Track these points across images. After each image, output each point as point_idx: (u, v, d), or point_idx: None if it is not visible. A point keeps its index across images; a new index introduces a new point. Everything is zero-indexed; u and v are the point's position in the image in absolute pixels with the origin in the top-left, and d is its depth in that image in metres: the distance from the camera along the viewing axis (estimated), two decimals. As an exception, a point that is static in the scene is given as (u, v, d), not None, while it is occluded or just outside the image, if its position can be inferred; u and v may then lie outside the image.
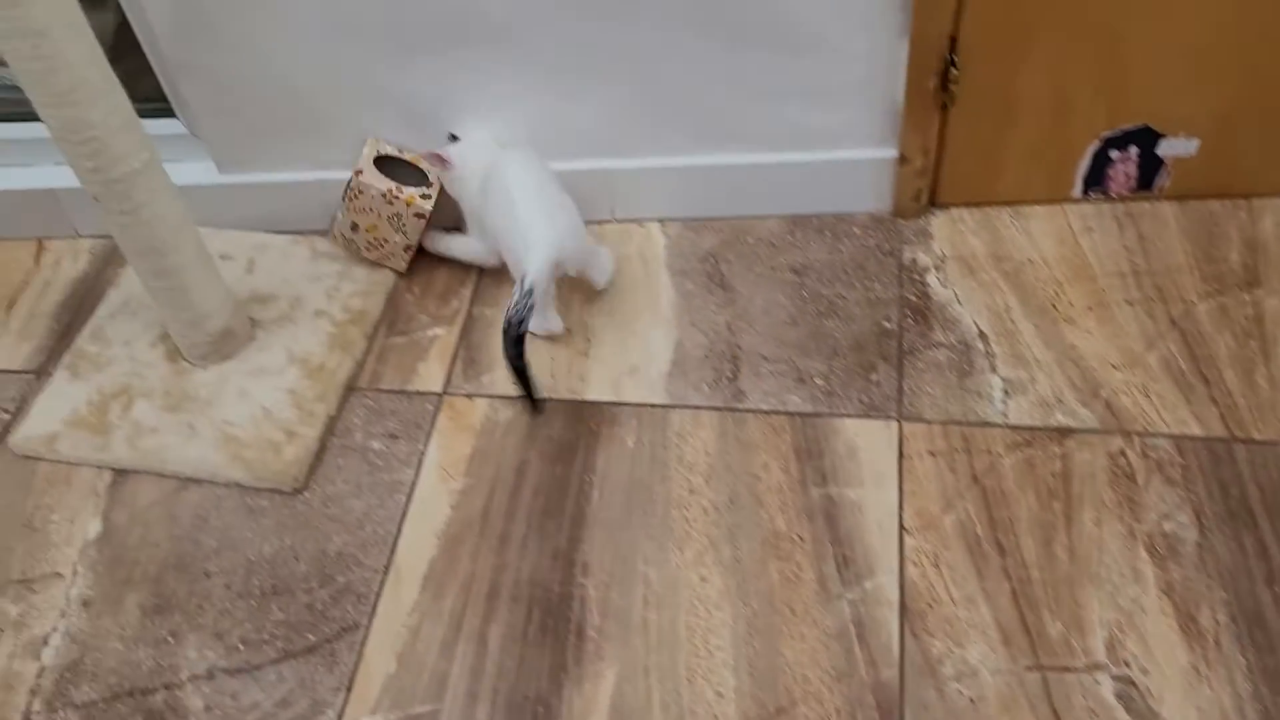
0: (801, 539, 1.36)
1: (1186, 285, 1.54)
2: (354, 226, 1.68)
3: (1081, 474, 1.38)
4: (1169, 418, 1.41)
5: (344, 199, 1.66)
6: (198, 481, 1.53)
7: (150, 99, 1.72)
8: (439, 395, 1.58)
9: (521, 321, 1.42)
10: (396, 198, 1.63)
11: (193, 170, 1.79)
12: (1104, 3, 1.43)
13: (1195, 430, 1.39)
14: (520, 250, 1.50)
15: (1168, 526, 1.31)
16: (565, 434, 1.51)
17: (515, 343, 1.43)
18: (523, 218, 1.51)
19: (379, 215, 1.65)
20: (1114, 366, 1.47)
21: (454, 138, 1.65)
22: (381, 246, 1.70)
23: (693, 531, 1.39)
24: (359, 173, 1.63)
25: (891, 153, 1.63)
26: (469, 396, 1.57)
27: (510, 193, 1.54)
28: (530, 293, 1.43)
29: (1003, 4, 1.44)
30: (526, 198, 1.53)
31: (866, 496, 1.39)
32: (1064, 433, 1.42)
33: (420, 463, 1.51)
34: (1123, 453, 1.39)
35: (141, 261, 1.48)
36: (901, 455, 1.42)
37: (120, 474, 1.55)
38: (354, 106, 1.66)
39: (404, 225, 1.66)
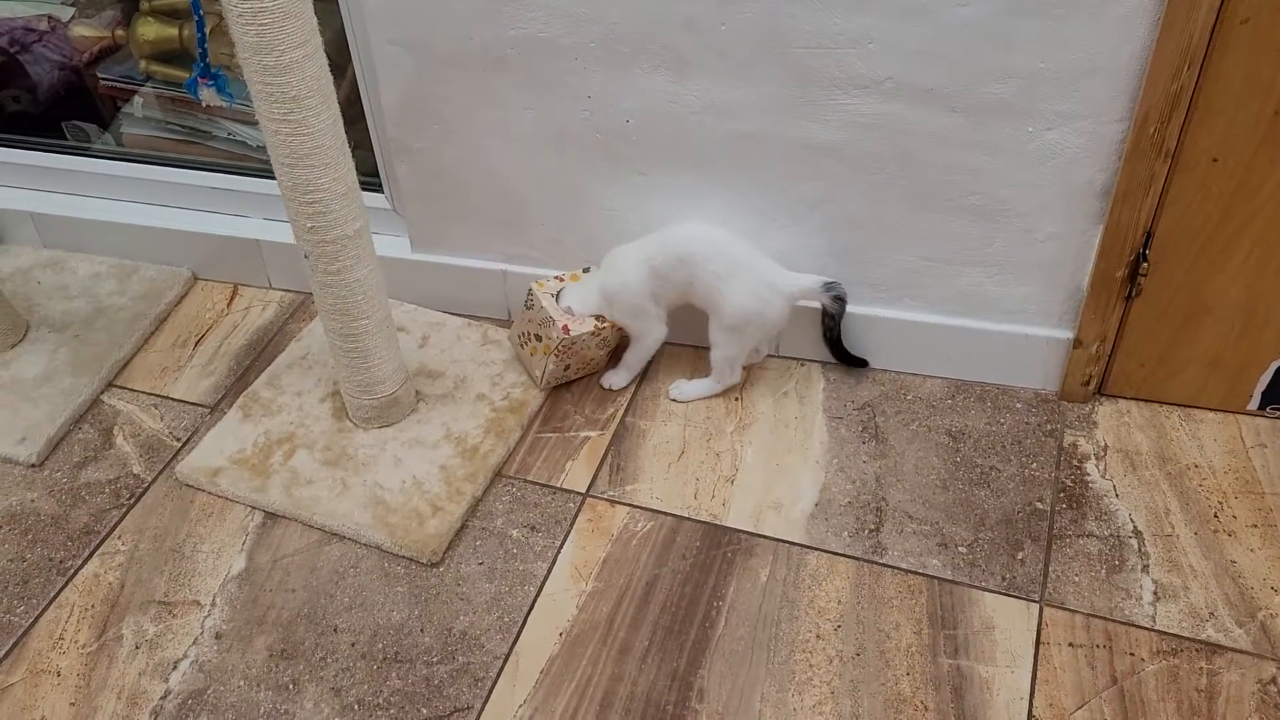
0: (925, 707, 1.33)
1: (1362, 519, 1.49)
2: (566, 367, 1.74)
3: (1229, 695, 1.32)
4: (1330, 654, 1.34)
5: (556, 353, 1.69)
6: (341, 537, 1.58)
7: (361, 173, 1.82)
8: (582, 495, 1.61)
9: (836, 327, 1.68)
10: (603, 327, 1.70)
11: (388, 244, 1.89)
12: (1311, 222, 1.42)
13: (1358, 672, 1.32)
14: (766, 292, 1.63)
15: (1318, 769, 1.24)
16: (700, 556, 1.52)
17: (837, 345, 1.70)
18: (759, 263, 1.63)
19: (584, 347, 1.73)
20: (1275, 590, 1.42)
21: (585, 270, 1.75)
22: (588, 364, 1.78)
23: (815, 678, 1.37)
24: (566, 329, 1.67)
25: (1067, 334, 1.63)
26: (611, 502, 1.60)
27: (729, 249, 1.62)
28: (839, 297, 1.64)
29: (1204, 210, 1.45)
30: (747, 248, 1.64)
31: (998, 676, 1.36)
32: (1214, 649, 1.36)
33: (555, 559, 1.53)
34: (1275, 681, 1.33)
35: (333, 320, 1.57)
36: (1039, 641, 1.39)
37: (271, 517, 1.61)
38: (550, 208, 1.75)
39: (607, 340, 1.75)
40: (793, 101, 1.51)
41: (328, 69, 1.38)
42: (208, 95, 1.65)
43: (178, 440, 1.75)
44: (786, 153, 1.56)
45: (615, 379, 1.76)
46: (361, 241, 1.51)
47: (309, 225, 1.46)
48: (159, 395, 1.83)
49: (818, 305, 1.68)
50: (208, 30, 1.74)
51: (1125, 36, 1.33)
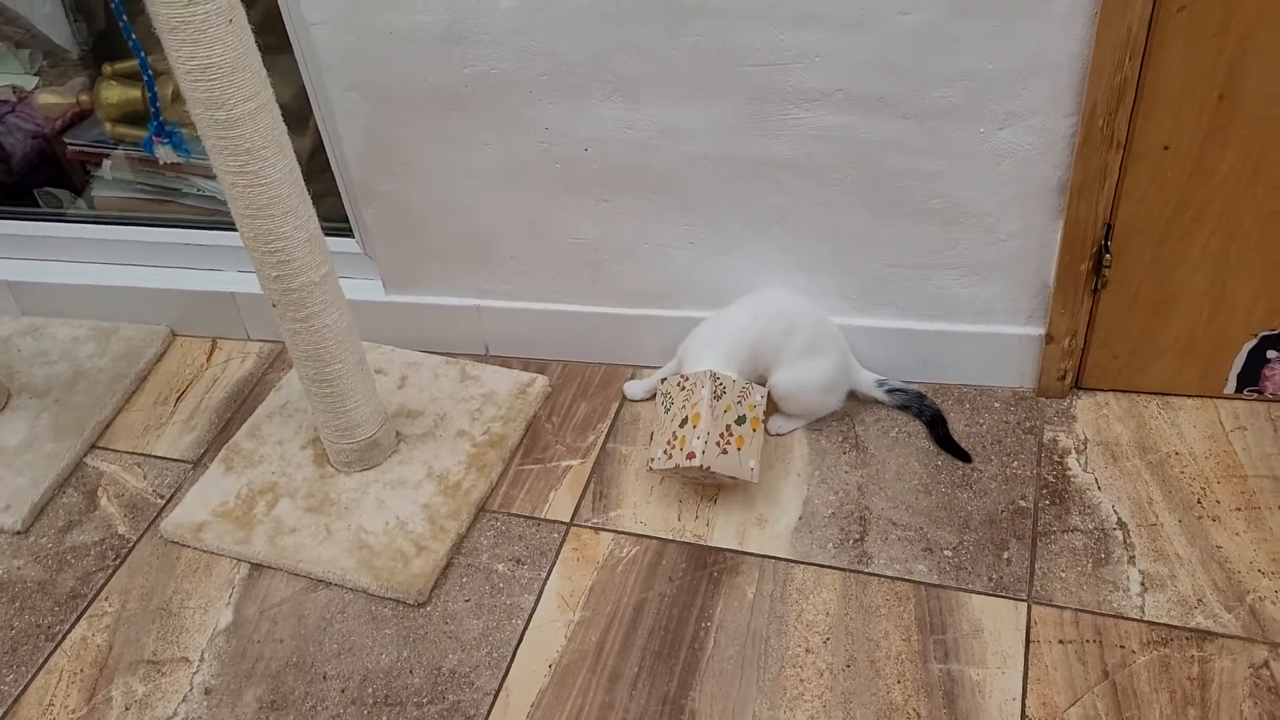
0: (918, 714, 1.32)
1: (1345, 495, 1.48)
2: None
3: (1221, 682, 1.31)
4: (1321, 633, 1.34)
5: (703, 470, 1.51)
6: (327, 584, 1.57)
7: (331, 219, 1.85)
8: (566, 525, 1.61)
9: (929, 406, 1.68)
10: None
11: (361, 287, 1.90)
12: (1267, 204, 1.42)
13: (1349, 650, 1.32)
14: (852, 363, 1.68)
15: (1315, 750, 1.23)
16: (686, 578, 1.51)
17: (936, 420, 1.66)
18: (839, 335, 1.67)
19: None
20: (1261, 573, 1.41)
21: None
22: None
23: (806, 693, 1.36)
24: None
25: (1039, 331, 1.63)
26: (595, 529, 1.60)
27: (813, 323, 1.64)
28: (916, 394, 1.68)
29: (1161, 198, 1.45)
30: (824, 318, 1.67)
31: (989, 678, 1.35)
32: (1204, 636, 1.36)
33: (541, 590, 1.53)
34: (1266, 664, 1.32)
35: (306, 367, 1.57)
36: (1029, 640, 1.38)
37: (256, 568, 1.61)
38: (516, 242, 1.75)
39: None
40: (746, 119, 1.52)
41: (280, 119, 1.39)
42: (164, 153, 1.66)
43: (161, 498, 1.75)
44: (745, 170, 1.57)
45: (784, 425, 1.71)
46: (328, 287, 1.52)
47: (274, 274, 1.47)
48: (142, 454, 1.83)
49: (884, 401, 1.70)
50: (169, 91, 1.76)
51: (1066, 32, 1.34)
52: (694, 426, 1.50)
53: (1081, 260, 1.52)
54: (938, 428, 1.65)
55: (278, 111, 1.38)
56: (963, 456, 1.62)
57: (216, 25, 1.27)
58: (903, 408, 1.70)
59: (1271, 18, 1.27)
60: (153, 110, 1.60)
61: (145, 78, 1.53)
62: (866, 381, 1.69)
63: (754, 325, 1.62)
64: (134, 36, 1.48)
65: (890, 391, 1.68)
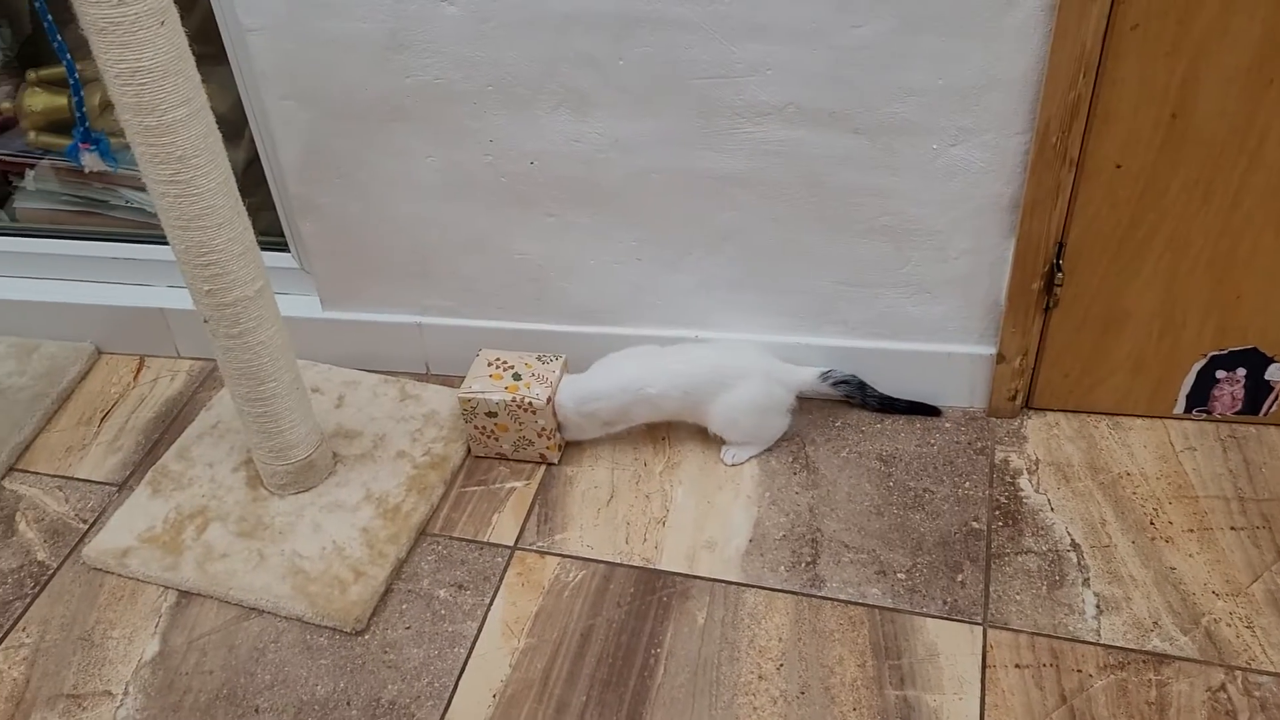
0: (873, 742, 1.29)
1: (1294, 515, 1.48)
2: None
3: (1179, 705, 1.29)
4: (1275, 656, 1.32)
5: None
6: (260, 612, 1.51)
7: (266, 233, 1.78)
8: (510, 549, 1.56)
9: (871, 394, 1.67)
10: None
11: (297, 303, 1.84)
12: (1218, 225, 1.42)
13: (1303, 671, 1.31)
14: (783, 371, 1.64)
15: (1272, 773, 1.22)
16: (634, 603, 1.47)
17: (885, 402, 1.67)
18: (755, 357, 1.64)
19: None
20: (1215, 594, 1.40)
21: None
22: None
23: (759, 721, 1.32)
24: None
25: (990, 350, 1.62)
26: (540, 553, 1.55)
27: (710, 369, 1.61)
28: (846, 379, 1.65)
29: (1113, 216, 1.44)
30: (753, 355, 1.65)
31: (946, 705, 1.32)
32: (1160, 659, 1.34)
33: (485, 616, 1.47)
34: (1224, 687, 1.31)
35: (239, 385, 1.51)
36: (985, 664, 1.36)
37: (184, 596, 1.54)
38: (460, 257, 1.71)
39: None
40: (696, 133, 1.49)
41: (215, 126, 1.33)
42: (90, 160, 1.59)
43: (84, 522, 1.67)
44: (694, 185, 1.54)
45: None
46: (263, 302, 1.46)
47: (206, 289, 1.41)
48: (63, 476, 1.75)
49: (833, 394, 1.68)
50: (96, 100, 1.69)
51: (1020, 48, 1.33)
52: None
53: (1033, 279, 1.51)
54: (891, 403, 1.67)
55: (212, 118, 1.33)
56: (931, 410, 1.68)
57: (147, 27, 1.21)
58: (847, 398, 1.68)
59: (1222, 37, 1.27)
60: (78, 116, 1.53)
61: (71, 81, 1.46)
62: (809, 379, 1.64)
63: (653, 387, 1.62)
64: (60, 38, 1.41)
65: (835, 384, 1.65)
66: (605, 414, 1.63)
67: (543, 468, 1.67)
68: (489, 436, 1.66)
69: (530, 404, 1.60)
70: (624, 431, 1.69)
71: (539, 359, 1.67)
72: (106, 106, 1.77)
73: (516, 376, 1.63)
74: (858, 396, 1.67)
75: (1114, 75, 1.32)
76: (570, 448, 1.70)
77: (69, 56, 1.44)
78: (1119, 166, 1.40)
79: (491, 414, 1.62)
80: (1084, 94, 1.33)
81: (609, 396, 1.62)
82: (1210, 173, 1.38)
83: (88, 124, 1.54)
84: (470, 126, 1.55)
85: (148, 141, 1.29)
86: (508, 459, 1.69)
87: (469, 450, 1.70)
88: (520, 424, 1.63)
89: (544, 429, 1.63)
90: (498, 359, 1.67)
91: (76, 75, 1.46)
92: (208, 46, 1.45)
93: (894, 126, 1.43)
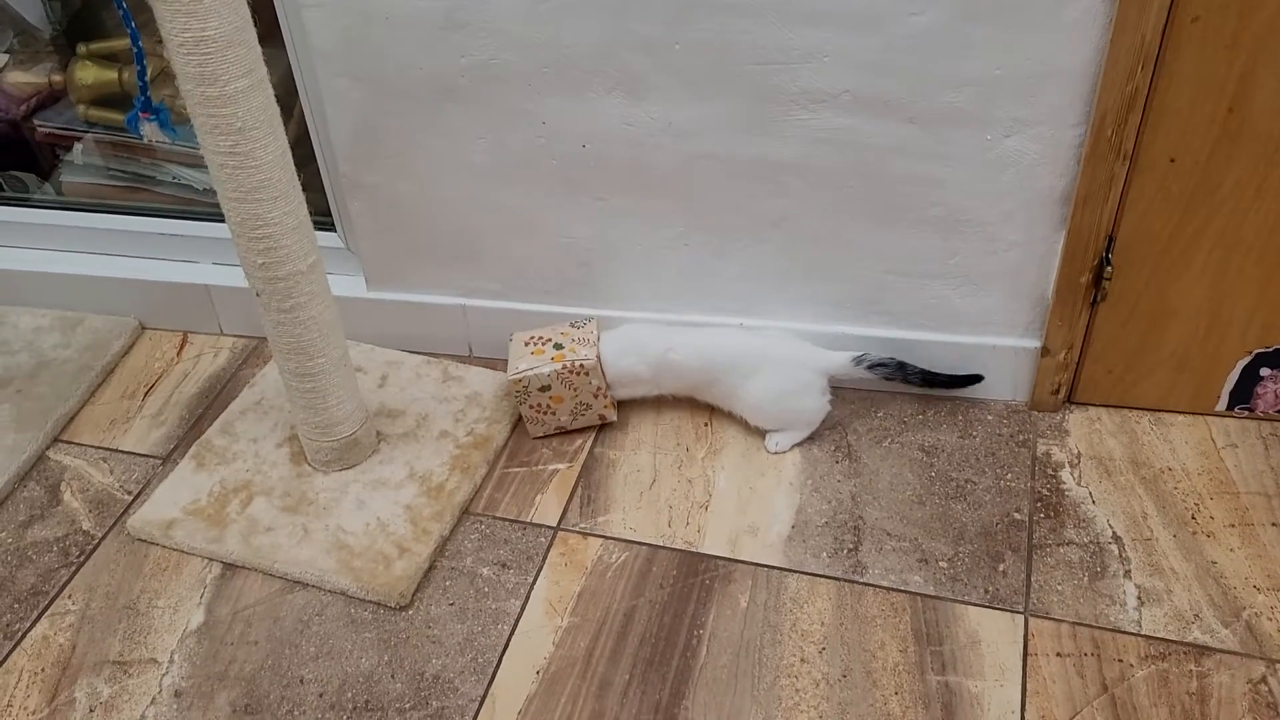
0: (917, 727, 1.30)
1: (1338, 514, 1.48)
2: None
3: (1220, 697, 1.30)
4: (1319, 650, 1.33)
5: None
6: (304, 585, 1.52)
7: (313, 213, 1.79)
8: (553, 529, 1.57)
9: (913, 371, 1.65)
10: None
11: (342, 283, 1.84)
12: (1270, 222, 1.42)
13: (1348, 667, 1.31)
14: (814, 355, 1.64)
15: (1317, 767, 1.22)
16: (678, 585, 1.48)
17: (928, 377, 1.65)
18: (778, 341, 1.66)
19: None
20: (1257, 589, 1.40)
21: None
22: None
23: (802, 703, 1.33)
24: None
25: (1034, 343, 1.62)
26: (583, 534, 1.56)
27: (732, 354, 1.63)
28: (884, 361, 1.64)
29: (1165, 211, 1.45)
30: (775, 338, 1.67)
31: (987, 691, 1.33)
32: (1201, 651, 1.34)
33: (528, 595, 1.48)
34: (1264, 680, 1.31)
35: (288, 360, 1.52)
36: (1027, 652, 1.36)
37: (229, 568, 1.55)
38: (507, 240, 1.72)
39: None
40: (750, 119, 1.49)
41: (274, 99, 1.34)
42: (150, 130, 1.60)
43: (129, 494, 1.68)
44: (746, 171, 1.55)
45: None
46: (315, 277, 1.47)
47: (260, 262, 1.42)
48: (108, 448, 1.76)
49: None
50: (150, 73, 1.70)
51: (1078, 39, 1.33)
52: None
53: (1082, 272, 1.51)
54: (933, 377, 1.66)
55: (271, 91, 1.34)
56: (973, 379, 1.66)
57: (213, -3, 1.22)
58: (887, 379, 1.67)
59: (1283, 32, 1.27)
60: (140, 85, 1.54)
61: (136, 49, 1.47)
62: (841, 363, 1.64)
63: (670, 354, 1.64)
64: (124, 6, 1.42)
65: (871, 367, 1.63)
66: (641, 370, 1.65)
67: (585, 453, 1.68)
68: (545, 413, 1.67)
69: (581, 365, 1.62)
70: (669, 418, 1.70)
71: (572, 325, 1.69)
72: (160, 80, 1.78)
73: (558, 346, 1.65)
74: (898, 376, 1.65)
75: (1172, 68, 1.32)
76: (613, 433, 1.70)
77: (133, 25, 1.45)
78: (1173, 161, 1.40)
79: (545, 388, 1.63)
80: (1141, 87, 1.33)
81: (638, 352, 1.64)
82: (1265, 168, 1.38)
83: (149, 93, 1.55)
84: (524, 108, 1.56)
85: (208, 112, 1.30)
86: (568, 430, 1.70)
87: (512, 431, 1.71)
88: (575, 390, 1.64)
89: (598, 389, 1.65)
90: (532, 337, 1.68)
91: (140, 43, 1.47)
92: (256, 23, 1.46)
93: (948, 116, 1.43)
